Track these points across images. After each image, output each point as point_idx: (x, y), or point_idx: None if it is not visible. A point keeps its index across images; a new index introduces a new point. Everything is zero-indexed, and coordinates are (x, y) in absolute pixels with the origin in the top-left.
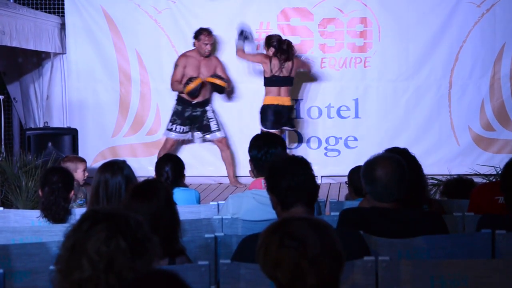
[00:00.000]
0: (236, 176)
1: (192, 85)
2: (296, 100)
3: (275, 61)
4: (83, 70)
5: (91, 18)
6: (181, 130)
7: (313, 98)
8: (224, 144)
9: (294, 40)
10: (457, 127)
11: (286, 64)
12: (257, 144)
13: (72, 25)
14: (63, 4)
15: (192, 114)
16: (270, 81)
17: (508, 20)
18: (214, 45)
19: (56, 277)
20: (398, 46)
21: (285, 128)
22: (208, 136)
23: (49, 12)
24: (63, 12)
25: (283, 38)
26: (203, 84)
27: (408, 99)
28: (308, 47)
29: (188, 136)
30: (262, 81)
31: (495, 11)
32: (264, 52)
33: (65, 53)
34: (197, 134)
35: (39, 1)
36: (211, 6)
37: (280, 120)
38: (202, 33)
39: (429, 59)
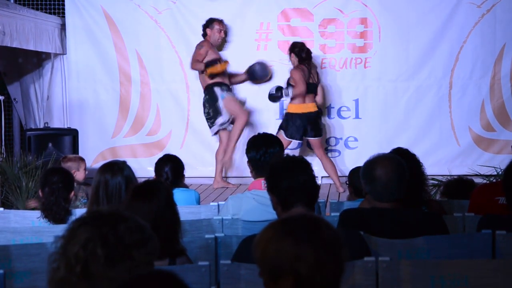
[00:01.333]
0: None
1: (219, 69)
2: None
3: (304, 70)
4: (83, 71)
5: (91, 19)
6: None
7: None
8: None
9: (294, 41)
10: (458, 127)
11: (313, 71)
12: (256, 145)
13: (73, 26)
14: (63, 5)
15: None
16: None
17: (509, 21)
18: (224, 36)
19: (48, 275)
20: (398, 46)
21: (308, 138)
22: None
23: (50, 13)
24: (63, 13)
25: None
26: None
27: (408, 100)
28: (309, 47)
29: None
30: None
31: (496, 12)
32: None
33: (66, 54)
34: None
35: (39, 2)
36: (211, 7)
37: (306, 129)
38: (214, 21)
39: (429, 59)
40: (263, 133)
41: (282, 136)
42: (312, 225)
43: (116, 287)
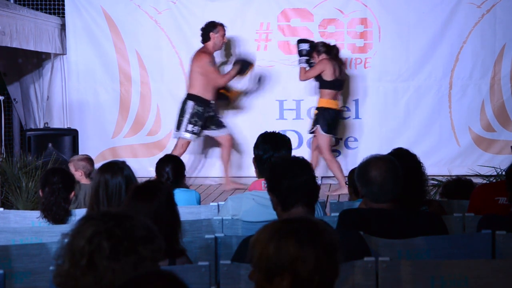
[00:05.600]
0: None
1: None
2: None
3: (335, 65)
4: (83, 71)
5: (91, 19)
6: (198, 131)
7: (314, 98)
8: (231, 142)
9: (295, 41)
10: (458, 127)
11: (342, 68)
12: (264, 147)
13: (73, 26)
14: (63, 5)
15: (209, 114)
16: (332, 85)
17: (509, 21)
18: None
19: (53, 271)
20: (398, 46)
21: (334, 136)
22: (217, 132)
23: (50, 13)
24: (63, 13)
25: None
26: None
27: (408, 100)
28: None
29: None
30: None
31: (496, 12)
32: (314, 59)
33: (65, 54)
34: (207, 131)
35: (39, 2)
36: (211, 7)
37: (335, 126)
38: (219, 26)
39: (429, 59)
40: (273, 133)
41: (320, 132)
42: (313, 228)
43: (119, 280)
